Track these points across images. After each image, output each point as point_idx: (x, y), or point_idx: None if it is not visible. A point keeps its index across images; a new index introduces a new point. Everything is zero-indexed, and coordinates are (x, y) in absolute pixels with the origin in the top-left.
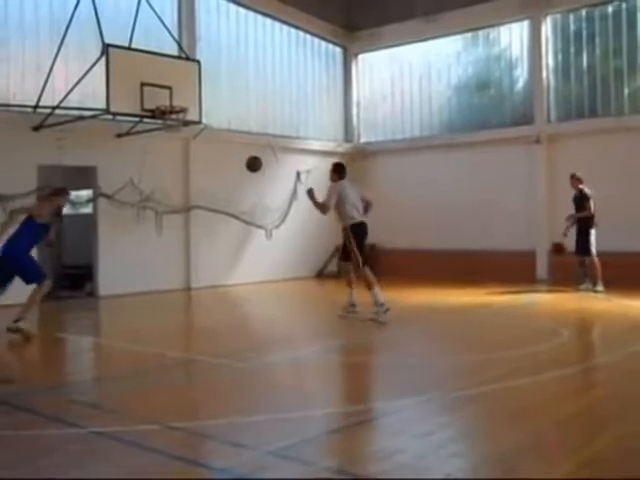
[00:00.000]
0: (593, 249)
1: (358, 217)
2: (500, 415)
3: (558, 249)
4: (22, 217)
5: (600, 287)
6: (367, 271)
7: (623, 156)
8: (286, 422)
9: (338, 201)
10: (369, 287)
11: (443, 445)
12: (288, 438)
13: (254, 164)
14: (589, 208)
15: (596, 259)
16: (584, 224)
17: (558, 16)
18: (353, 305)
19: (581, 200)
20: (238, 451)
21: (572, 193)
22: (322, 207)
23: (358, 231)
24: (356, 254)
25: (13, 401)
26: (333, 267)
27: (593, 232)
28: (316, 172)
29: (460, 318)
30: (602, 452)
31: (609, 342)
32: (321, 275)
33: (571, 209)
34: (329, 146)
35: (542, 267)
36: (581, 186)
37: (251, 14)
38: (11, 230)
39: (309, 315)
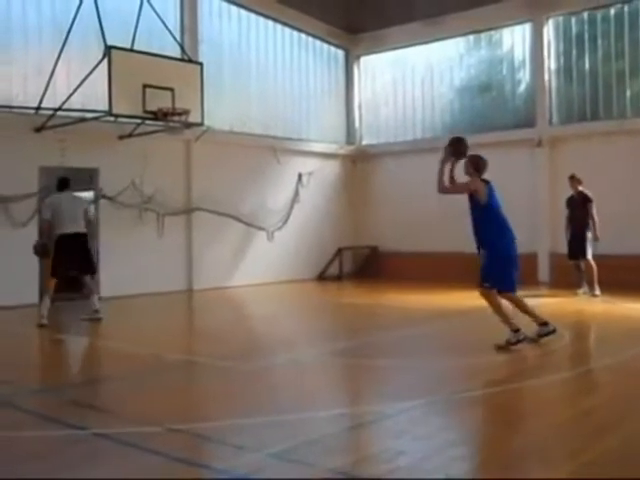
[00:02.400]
0: (590, 252)
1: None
2: (502, 418)
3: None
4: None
5: (597, 291)
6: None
7: (625, 159)
8: (288, 424)
9: None
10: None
11: (445, 448)
12: (290, 440)
13: None
14: (592, 210)
15: (592, 262)
16: (581, 226)
17: (560, 19)
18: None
19: (583, 202)
20: (239, 453)
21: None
22: None
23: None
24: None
25: (13, 402)
26: (334, 269)
27: (589, 235)
28: (318, 174)
29: (462, 320)
30: (604, 454)
31: (611, 344)
32: (322, 277)
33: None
34: (331, 148)
35: (544, 270)
36: (581, 187)
37: (253, 16)
38: None
39: (310, 317)
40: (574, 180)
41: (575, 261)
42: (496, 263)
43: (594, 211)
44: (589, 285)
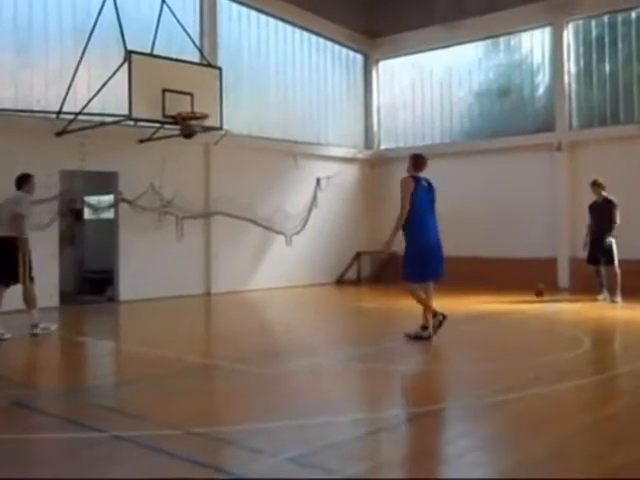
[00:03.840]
0: (616, 259)
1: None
2: (523, 423)
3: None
4: None
5: (618, 298)
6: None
7: None
8: (306, 428)
9: None
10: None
11: (465, 453)
12: (308, 445)
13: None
14: (616, 216)
15: (618, 269)
16: (605, 232)
17: (580, 22)
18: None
19: (608, 207)
20: (258, 457)
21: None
22: None
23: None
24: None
25: (33, 404)
26: (353, 274)
27: (614, 241)
28: (336, 178)
29: (481, 326)
30: (629, 460)
31: (633, 350)
32: (341, 281)
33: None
34: (349, 153)
35: (563, 275)
36: (604, 193)
37: (272, 21)
38: None
39: (329, 322)
40: (597, 186)
41: (595, 266)
42: (407, 254)
43: (617, 216)
44: (611, 291)
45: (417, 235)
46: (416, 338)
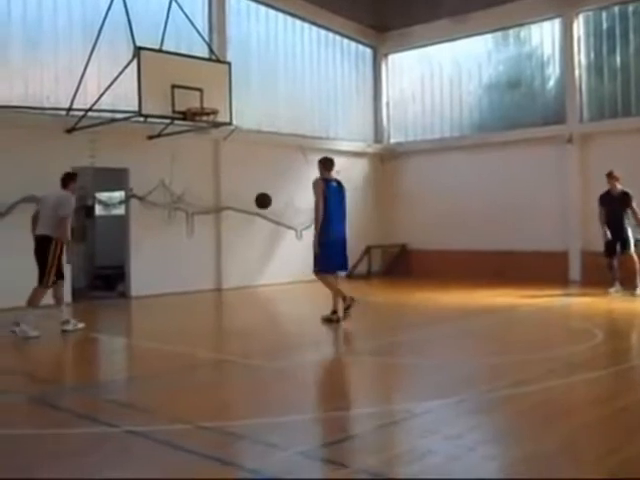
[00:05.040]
0: (632, 247)
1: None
2: (533, 417)
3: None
4: None
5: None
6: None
7: None
8: (317, 423)
9: None
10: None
11: (475, 447)
12: (320, 439)
13: (263, 201)
14: (635, 207)
15: (635, 256)
16: (622, 224)
17: (590, 13)
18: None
19: (626, 199)
20: (269, 451)
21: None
22: None
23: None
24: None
25: (47, 400)
26: (363, 268)
27: (630, 229)
28: (346, 173)
29: (492, 319)
30: (638, 456)
31: None
32: (351, 276)
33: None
34: (359, 147)
35: (575, 268)
36: (619, 185)
37: (281, 15)
38: None
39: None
40: (612, 177)
41: (610, 258)
42: (319, 248)
43: (636, 207)
44: (631, 280)
45: (326, 232)
46: (327, 321)
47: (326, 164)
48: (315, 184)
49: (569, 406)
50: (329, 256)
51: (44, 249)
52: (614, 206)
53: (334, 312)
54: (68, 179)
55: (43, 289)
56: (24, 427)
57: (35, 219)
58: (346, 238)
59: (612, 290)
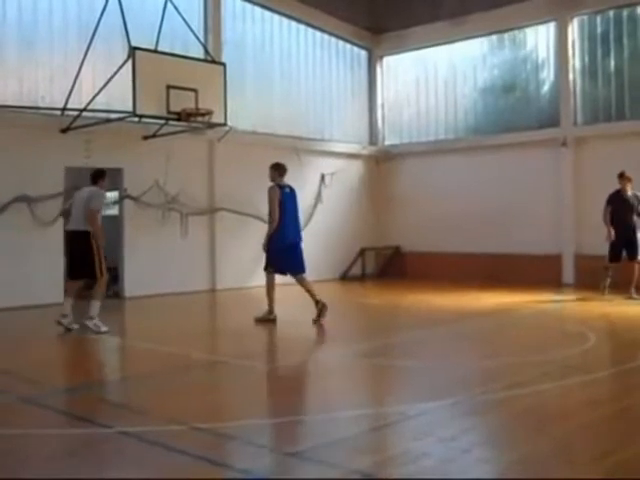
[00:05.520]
0: None
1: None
2: (527, 420)
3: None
4: None
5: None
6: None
7: None
8: (310, 424)
9: None
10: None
11: (469, 449)
12: (312, 440)
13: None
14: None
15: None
16: (630, 228)
17: (585, 17)
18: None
19: (636, 203)
20: (262, 452)
21: (601, 195)
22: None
23: None
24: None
25: (40, 400)
26: (357, 270)
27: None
28: (341, 175)
29: (486, 322)
30: (635, 457)
31: (638, 346)
32: (345, 278)
33: (598, 212)
34: (354, 149)
35: (568, 271)
36: (630, 187)
37: (276, 17)
38: None
39: (333, 318)
40: (625, 178)
41: (614, 263)
42: (270, 250)
43: None
44: (628, 285)
45: (280, 235)
46: (262, 321)
47: (280, 170)
48: (271, 190)
49: (563, 409)
50: (284, 258)
51: (78, 244)
52: (624, 207)
53: (270, 312)
54: (97, 176)
55: (101, 282)
56: (17, 427)
57: (67, 214)
58: (301, 241)
59: (607, 293)
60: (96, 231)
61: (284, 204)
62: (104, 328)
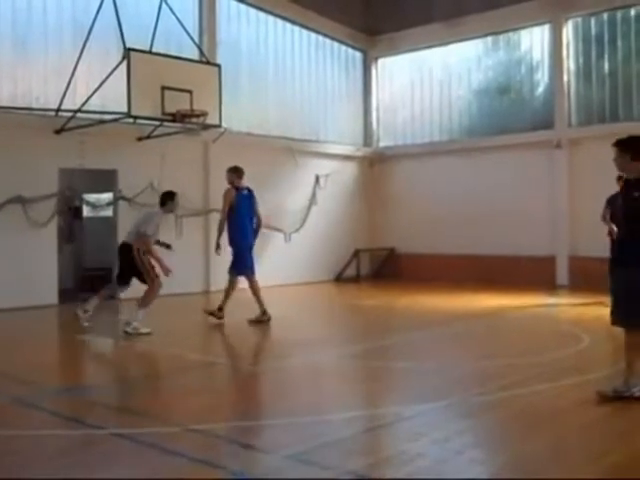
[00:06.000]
0: None
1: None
2: (521, 421)
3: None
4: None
5: None
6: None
7: None
8: (305, 426)
9: None
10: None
11: (463, 450)
12: (307, 442)
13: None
14: None
15: None
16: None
17: (579, 19)
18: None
19: None
20: (256, 454)
21: (595, 197)
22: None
23: None
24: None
25: (35, 401)
26: (352, 271)
27: None
28: (335, 176)
29: (480, 323)
30: (629, 457)
31: None
32: (340, 279)
33: (592, 213)
34: (348, 150)
35: (562, 273)
36: None
37: (271, 18)
38: None
39: (328, 319)
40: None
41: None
42: (234, 253)
43: None
44: None
45: (238, 237)
46: (257, 322)
47: (238, 172)
48: (226, 192)
49: (558, 410)
50: (244, 260)
51: (123, 256)
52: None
53: (264, 313)
54: (166, 198)
55: (153, 287)
56: (11, 428)
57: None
58: (254, 243)
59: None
60: (140, 248)
61: (239, 206)
62: (144, 330)
